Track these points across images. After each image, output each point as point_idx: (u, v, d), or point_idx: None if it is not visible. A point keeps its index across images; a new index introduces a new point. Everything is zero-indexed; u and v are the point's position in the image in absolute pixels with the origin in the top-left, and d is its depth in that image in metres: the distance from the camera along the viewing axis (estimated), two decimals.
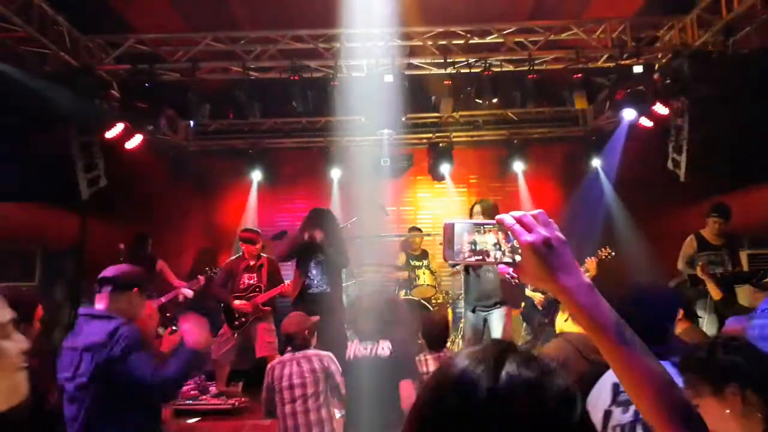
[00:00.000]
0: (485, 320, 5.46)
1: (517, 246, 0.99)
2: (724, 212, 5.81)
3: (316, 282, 5.66)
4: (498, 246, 1.02)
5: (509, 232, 1.00)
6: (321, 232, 5.59)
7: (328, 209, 6.18)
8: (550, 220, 0.98)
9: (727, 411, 1.53)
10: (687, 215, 6.88)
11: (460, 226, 1.04)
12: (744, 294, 6.08)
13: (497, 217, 1.01)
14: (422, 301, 6.73)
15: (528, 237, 0.96)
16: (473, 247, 1.03)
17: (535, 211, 0.99)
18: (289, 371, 3.66)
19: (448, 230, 1.04)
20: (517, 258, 1.00)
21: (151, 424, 2.78)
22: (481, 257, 1.03)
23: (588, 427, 0.75)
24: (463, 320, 5.86)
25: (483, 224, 1.04)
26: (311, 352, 3.78)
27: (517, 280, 4.85)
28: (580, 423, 0.73)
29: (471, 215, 5.55)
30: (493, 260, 1.03)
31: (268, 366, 3.81)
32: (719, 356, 1.60)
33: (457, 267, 6.00)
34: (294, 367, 3.67)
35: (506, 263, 1.02)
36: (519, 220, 0.98)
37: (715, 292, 5.04)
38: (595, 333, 0.94)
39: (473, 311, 5.57)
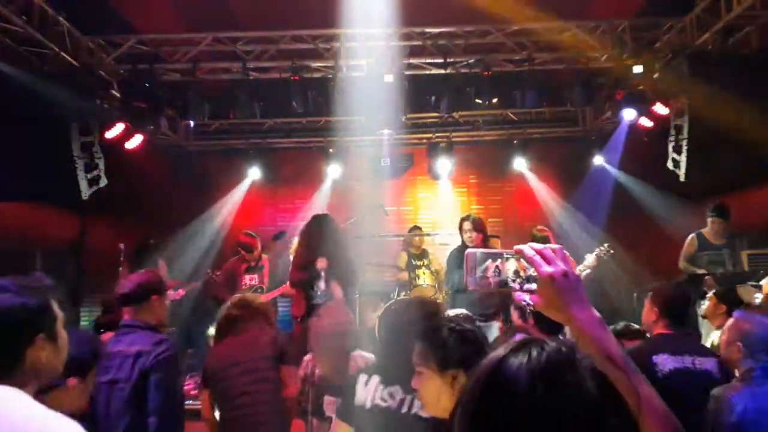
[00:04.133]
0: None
1: (535, 275, 1.06)
2: (723, 212, 5.81)
3: (319, 293, 5.54)
4: (516, 275, 1.09)
5: (528, 263, 1.07)
6: (324, 259, 5.14)
7: (325, 216, 5.67)
8: (566, 254, 1.07)
9: (444, 386, 1.83)
10: (687, 215, 6.88)
11: (481, 254, 1.11)
12: (745, 294, 6.07)
13: (516, 247, 1.08)
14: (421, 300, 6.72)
15: (548, 269, 1.04)
16: (493, 274, 1.10)
17: (554, 246, 1.07)
18: None
19: (471, 258, 1.11)
20: (533, 287, 1.07)
21: None
22: (500, 284, 1.10)
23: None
24: None
25: (503, 254, 1.11)
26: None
27: (532, 308, 4.84)
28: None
29: (461, 230, 5.60)
30: (511, 288, 1.10)
31: (305, 359, 3.64)
32: (451, 344, 1.86)
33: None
34: None
35: (524, 291, 1.08)
36: (539, 252, 1.06)
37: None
38: (605, 362, 0.99)
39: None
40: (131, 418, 2.77)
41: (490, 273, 1.09)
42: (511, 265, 1.09)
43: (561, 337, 2.63)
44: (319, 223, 5.43)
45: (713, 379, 2.94)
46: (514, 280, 1.09)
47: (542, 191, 8.96)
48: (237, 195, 8.97)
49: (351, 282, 5.50)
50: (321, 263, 5.12)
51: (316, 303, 5.42)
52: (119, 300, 3.04)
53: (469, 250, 1.12)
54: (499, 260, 1.10)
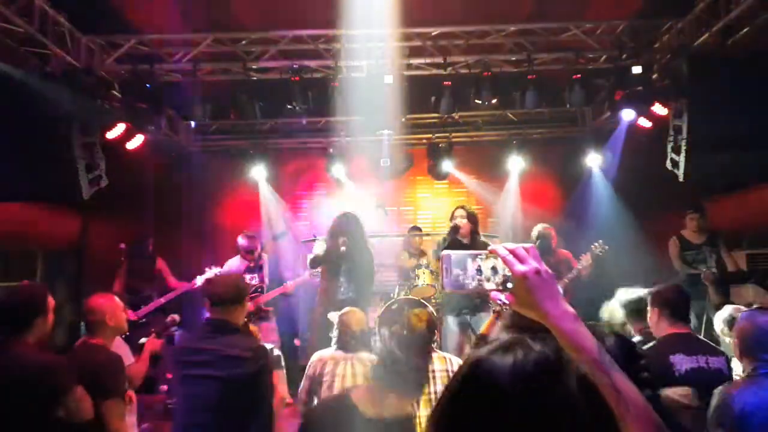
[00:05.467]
0: (469, 325, 5.53)
1: (509, 275, 1.07)
2: (698, 207, 6.03)
3: (343, 289, 5.69)
4: (492, 274, 1.10)
5: (502, 262, 1.08)
6: (347, 241, 5.66)
7: (354, 214, 6.09)
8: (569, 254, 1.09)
9: None
10: (686, 215, 6.90)
11: (456, 256, 1.12)
12: (746, 294, 6.09)
13: (490, 247, 1.10)
14: (422, 301, 6.73)
15: (521, 267, 1.05)
16: (469, 275, 1.11)
17: (527, 245, 1.09)
18: (343, 372, 3.41)
19: (446, 260, 1.12)
20: (509, 286, 1.08)
21: None
22: (475, 285, 1.11)
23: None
24: (443, 327, 5.95)
25: (477, 254, 1.11)
26: (365, 355, 3.53)
27: (507, 307, 4.88)
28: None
29: (452, 218, 5.67)
30: (487, 288, 1.11)
31: (315, 358, 3.60)
32: None
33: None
34: (348, 368, 3.42)
35: (499, 290, 1.10)
36: (512, 252, 1.07)
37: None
38: (580, 356, 0.99)
39: (458, 315, 5.63)
40: (239, 417, 2.87)
41: (467, 274, 1.10)
42: (488, 265, 1.10)
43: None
44: (344, 216, 5.96)
45: (724, 378, 3.00)
46: (490, 281, 1.09)
47: (541, 191, 8.97)
48: (237, 195, 8.99)
49: (368, 271, 5.84)
50: (342, 241, 5.65)
51: (339, 298, 5.54)
52: (217, 298, 3.11)
53: (444, 252, 1.12)
54: (477, 261, 1.10)
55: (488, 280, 1.09)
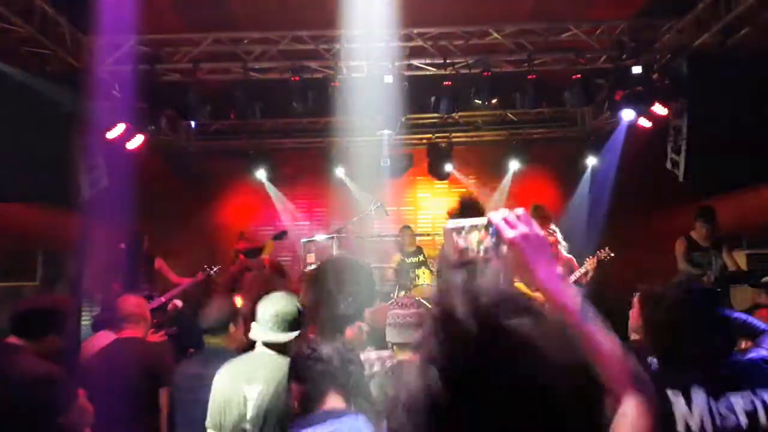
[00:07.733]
0: None
1: (496, 242, 1.12)
2: (708, 217, 5.96)
3: (342, 306, 5.69)
4: (477, 247, 1.13)
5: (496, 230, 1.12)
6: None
7: (336, 262, 6.11)
8: (531, 218, 1.13)
9: None
10: (686, 215, 6.89)
11: (448, 228, 1.16)
12: (741, 294, 6.10)
13: (488, 215, 1.13)
14: (422, 300, 6.72)
15: (510, 234, 1.09)
16: (467, 244, 1.14)
17: (518, 210, 1.12)
18: None
19: (447, 233, 1.16)
20: (504, 250, 1.11)
21: None
22: (473, 252, 1.13)
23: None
24: None
25: (475, 223, 1.15)
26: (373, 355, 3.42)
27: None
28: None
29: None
30: (484, 255, 1.13)
31: None
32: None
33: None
34: None
35: (494, 256, 1.12)
36: (504, 219, 1.12)
37: None
38: (563, 312, 1.05)
39: None
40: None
41: (459, 244, 1.13)
42: (473, 239, 1.13)
43: None
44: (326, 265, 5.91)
45: None
46: (482, 247, 1.12)
47: (541, 191, 8.98)
48: (237, 195, 8.99)
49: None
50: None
51: (340, 314, 5.51)
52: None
53: (445, 226, 1.16)
54: (469, 232, 1.14)
55: (480, 248, 1.12)
